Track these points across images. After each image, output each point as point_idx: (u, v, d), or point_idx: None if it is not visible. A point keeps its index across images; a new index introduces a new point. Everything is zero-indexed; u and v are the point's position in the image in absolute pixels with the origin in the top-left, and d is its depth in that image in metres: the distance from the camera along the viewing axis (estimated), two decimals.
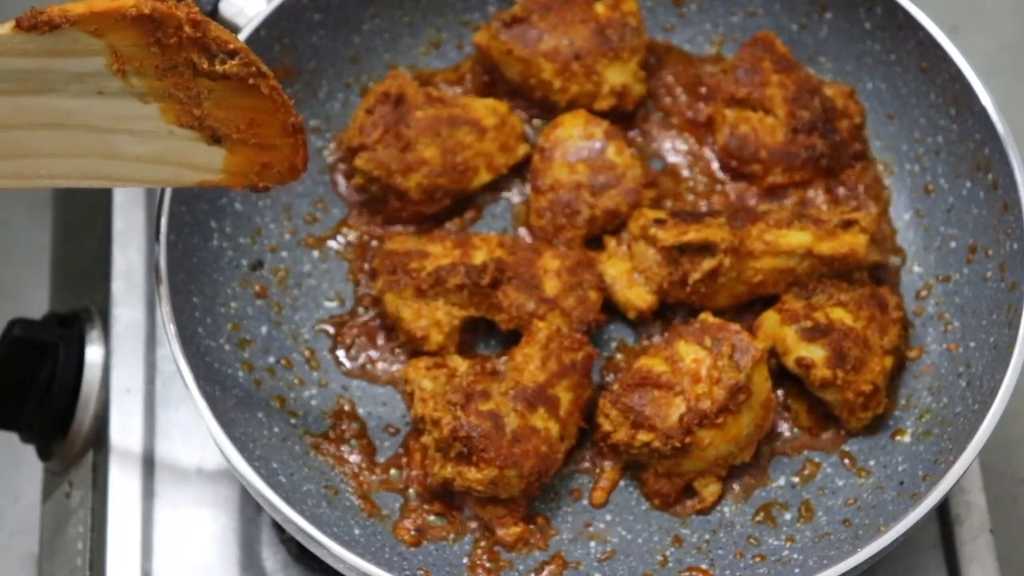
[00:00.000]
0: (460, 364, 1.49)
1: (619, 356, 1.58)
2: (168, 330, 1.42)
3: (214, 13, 1.61)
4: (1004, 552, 1.63)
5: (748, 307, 1.57)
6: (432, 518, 1.48)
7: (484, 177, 1.63)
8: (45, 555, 1.68)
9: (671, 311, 1.58)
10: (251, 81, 1.06)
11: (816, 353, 1.49)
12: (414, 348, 1.54)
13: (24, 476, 1.92)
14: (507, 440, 1.42)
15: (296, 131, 1.12)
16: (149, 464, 1.58)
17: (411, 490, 1.50)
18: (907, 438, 1.53)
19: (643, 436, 1.44)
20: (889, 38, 1.64)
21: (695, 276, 1.52)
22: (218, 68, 1.04)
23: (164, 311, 1.43)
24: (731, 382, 1.44)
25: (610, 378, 1.56)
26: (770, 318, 1.53)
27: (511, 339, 1.55)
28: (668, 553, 1.48)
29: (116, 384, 1.61)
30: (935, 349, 1.56)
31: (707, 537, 1.49)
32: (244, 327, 1.56)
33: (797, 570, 1.45)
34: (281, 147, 1.12)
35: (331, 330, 1.59)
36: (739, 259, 1.52)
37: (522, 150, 1.64)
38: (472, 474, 1.42)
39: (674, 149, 1.69)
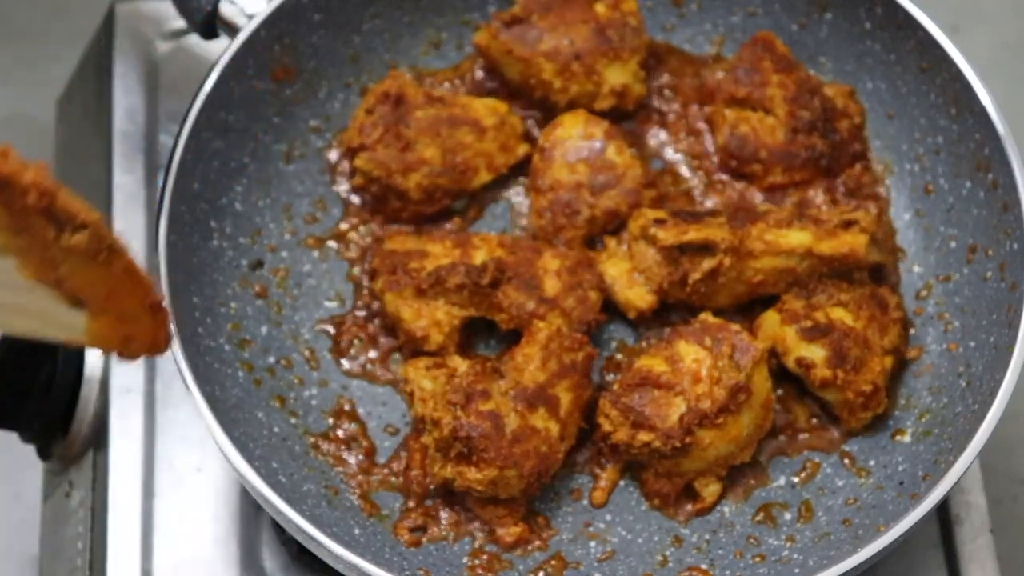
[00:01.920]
0: (460, 364, 1.49)
1: (619, 356, 1.58)
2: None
3: (214, 12, 1.61)
4: (1004, 552, 1.63)
5: (748, 307, 1.57)
6: (432, 518, 1.48)
7: (484, 177, 1.63)
8: (45, 555, 1.68)
9: (671, 311, 1.58)
10: (102, 258, 1.02)
11: (816, 353, 1.49)
12: (414, 348, 1.54)
13: (24, 476, 1.92)
14: (507, 440, 1.42)
15: (155, 310, 1.08)
16: (149, 464, 1.58)
17: (411, 490, 1.50)
18: (907, 438, 1.53)
19: (643, 436, 1.44)
20: (889, 38, 1.64)
21: (695, 276, 1.52)
22: (64, 242, 0.99)
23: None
24: (731, 382, 1.44)
25: (610, 378, 1.56)
26: (770, 318, 1.53)
27: (511, 339, 1.55)
28: (668, 553, 1.48)
29: (116, 384, 1.61)
30: (935, 349, 1.56)
31: (707, 537, 1.49)
32: (244, 327, 1.56)
33: (797, 570, 1.45)
34: (143, 322, 1.08)
35: (331, 330, 1.59)
36: (739, 259, 1.52)
37: (522, 150, 1.64)
38: (472, 474, 1.42)
39: (674, 149, 1.69)
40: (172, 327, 1.11)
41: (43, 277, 1.02)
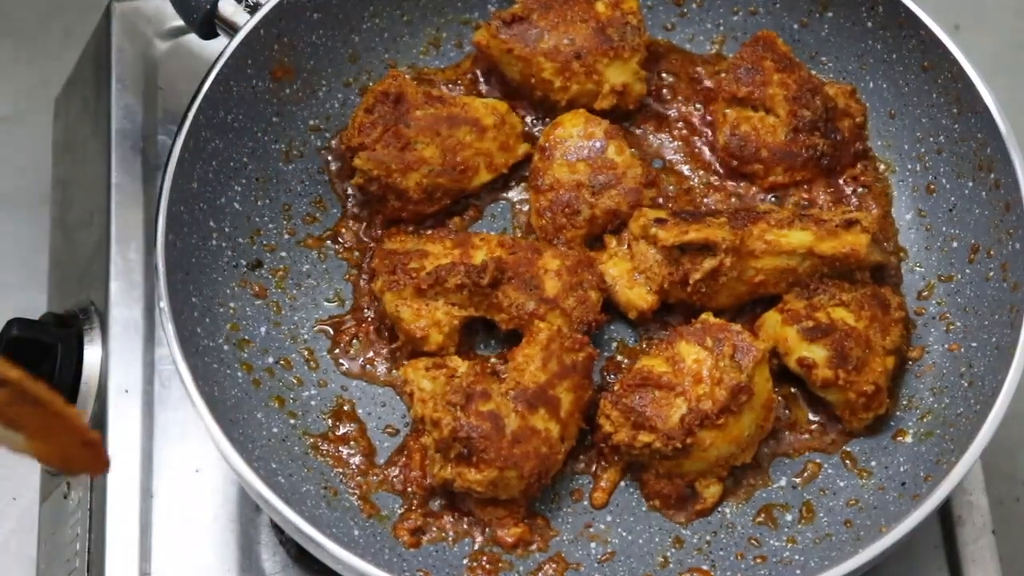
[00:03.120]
0: (460, 364, 1.48)
1: (620, 357, 1.57)
2: (167, 330, 1.42)
3: (213, 12, 1.61)
4: (1006, 553, 1.62)
5: (749, 307, 1.57)
6: (432, 519, 1.48)
7: (484, 177, 1.62)
8: (43, 556, 1.68)
9: (672, 311, 1.58)
10: (29, 404, 1.05)
11: (818, 353, 1.48)
12: (414, 348, 1.54)
13: (22, 477, 1.92)
14: (507, 441, 1.42)
15: (89, 445, 1.10)
16: (147, 465, 1.57)
17: (411, 491, 1.49)
18: (909, 439, 1.52)
19: (644, 437, 1.44)
20: (891, 37, 1.64)
21: (696, 276, 1.51)
22: None
23: (163, 311, 1.43)
24: (733, 383, 1.43)
25: (611, 378, 1.55)
26: (772, 318, 1.53)
27: (511, 339, 1.54)
28: (669, 554, 1.48)
29: (114, 384, 1.60)
30: (937, 349, 1.56)
31: (708, 538, 1.49)
32: (243, 327, 1.55)
33: (798, 571, 1.45)
34: (78, 455, 1.11)
35: (330, 330, 1.58)
36: (740, 259, 1.52)
37: (522, 149, 1.64)
38: (472, 475, 1.41)
39: (674, 149, 1.68)
40: (108, 454, 1.15)
41: None
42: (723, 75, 1.67)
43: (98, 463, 1.12)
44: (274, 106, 1.64)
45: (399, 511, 1.49)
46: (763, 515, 1.50)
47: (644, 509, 1.50)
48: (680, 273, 1.52)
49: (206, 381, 1.43)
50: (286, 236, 1.62)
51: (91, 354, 1.62)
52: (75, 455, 1.11)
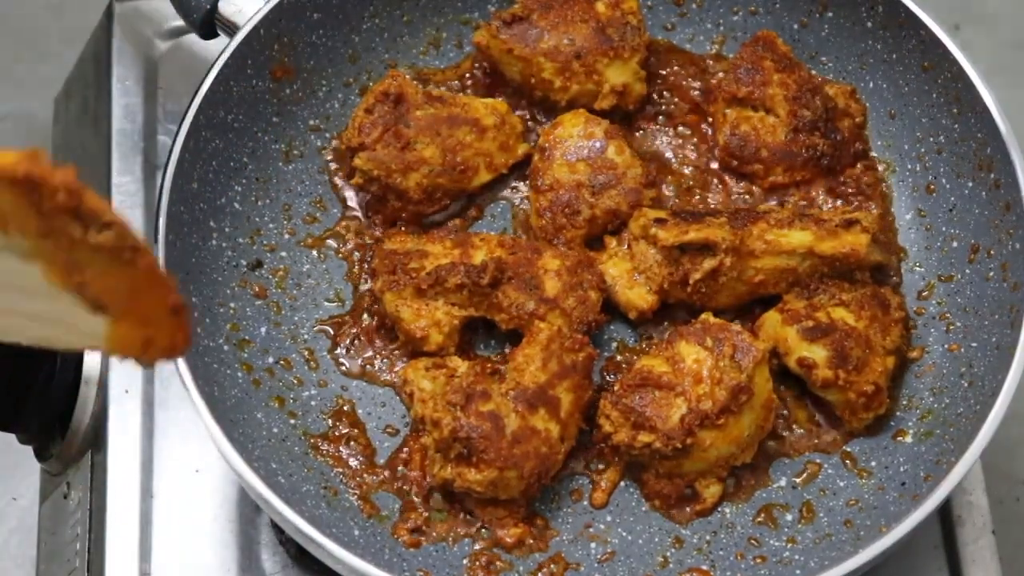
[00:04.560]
0: (460, 365, 1.48)
1: (620, 357, 1.57)
2: None
3: (213, 11, 1.61)
4: (1006, 553, 1.62)
5: (749, 307, 1.57)
6: (432, 519, 1.48)
7: (484, 177, 1.62)
8: (43, 556, 1.68)
9: (672, 311, 1.58)
10: (126, 256, 1.03)
11: (818, 353, 1.48)
12: (414, 348, 1.54)
13: (22, 477, 1.92)
14: (507, 441, 1.41)
15: (175, 311, 1.08)
16: (147, 465, 1.57)
17: (411, 491, 1.49)
18: (909, 439, 1.52)
19: (644, 437, 1.44)
20: (891, 37, 1.64)
21: (696, 276, 1.51)
22: (91, 239, 1.02)
23: None
24: (733, 383, 1.43)
25: (611, 378, 1.55)
26: (772, 318, 1.52)
27: (511, 339, 1.54)
28: (669, 554, 1.48)
29: (114, 384, 1.60)
30: (937, 349, 1.56)
31: (708, 538, 1.49)
32: (243, 327, 1.55)
33: (798, 571, 1.45)
34: (163, 325, 1.09)
35: (330, 330, 1.58)
36: (740, 259, 1.52)
37: (522, 149, 1.64)
38: (472, 475, 1.41)
39: (674, 149, 1.68)
40: (191, 328, 1.11)
41: (67, 282, 1.03)
42: (723, 75, 1.67)
43: (180, 335, 1.10)
44: (274, 106, 1.64)
45: (399, 511, 1.49)
46: (763, 515, 1.50)
47: (644, 509, 1.50)
48: (680, 273, 1.52)
49: (206, 381, 1.43)
50: (286, 236, 1.62)
51: (91, 354, 1.62)
52: (157, 333, 1.09)
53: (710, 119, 1.68)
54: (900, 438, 1.53)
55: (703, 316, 1.51)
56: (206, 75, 1.55)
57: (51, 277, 1.03)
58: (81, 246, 1.02)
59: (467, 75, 1.71)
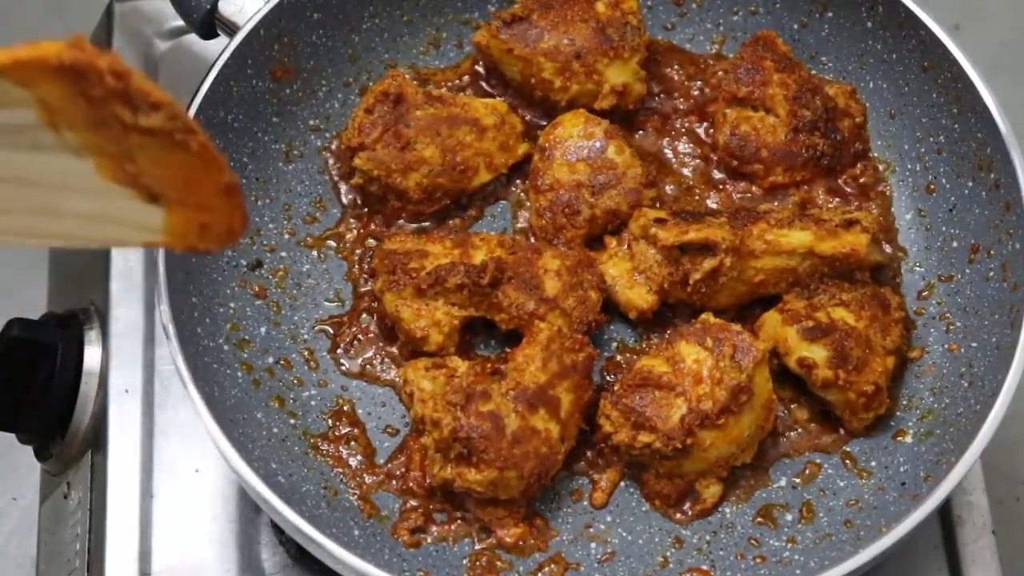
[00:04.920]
0: (460, 365, 1.48)
1: (620, 357, 1.57)
2: (167, 330, 1.42)
3: (213, 11, 1.61)
4: (1006, 553, 1.62)
5: (749, 307, 1.57)
6: (432, 519, 1.48)
7: (484, 176, 1.62)
8: (43, 556, 1.68)
9: (672, 311, 1.58)
10: (178, 137, 1.02)
11: (818, 353, 1.48)
12: (414, 348, 1.54)
13: (22, 477, 1.92)
14: (507, 441, 1.41)
15: (230, 191, 1.07)
16: (147, 465, 1.57)
17: (411, 491, 1.49)
18: (909, 439, 1.52)
19: (644, 437, 1.44)
20: (891, 37, 1.64)
21: (696, 276, 1.51)
22: (142, 122, 1.00)
23: (163, 311, 1.43)
24: (733, 383, 1.43)
25: (611, 378, 1.55)
26: (772, 318, 1.52)
27: (511, 339, 1.54)
28: (668, 554, 1.48)
29: (114, 384, 1.60)
30: (937, 349, 1.56)
31: (708, 538, 1.49)
32: (243, 327, 1.55)
33: (798, 571, 1.44)
34: (219, 207, 1.08)
35: (330, 330, 1.58)
36: (740, 259, 1.52)
37: (522, 149, 1.64)
38: (472, 475, 1.41)
39: (674, 148, 1.68)
40: (246, 211, 1.10)
41: (120, 175, 1.03)
42: (723, 75, 1.67)
43: (236, 216, 1.08)
44: (274, 106, 1.64)
45: (399, 511, 1.49)
46: (763, 515, 1.50)
47: (644, 509, 1.50)
48: (680, 273, 1.52)
49: (206, 381, 1.43)
50: (286, 236, 1.62)
51: (91, 354, 1.62)
52: (213, 218, 1.08)
53: (710, 119, 1.68)
54: (900, 438, 1.53)
55: (703, 316, 1.51)
56: (206, 75, 1.55)
57: (104, 172, 1.02)
58: (132, 132, 1.00)
59: (467, 75, 1.71)
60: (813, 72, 1.68)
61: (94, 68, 0.97)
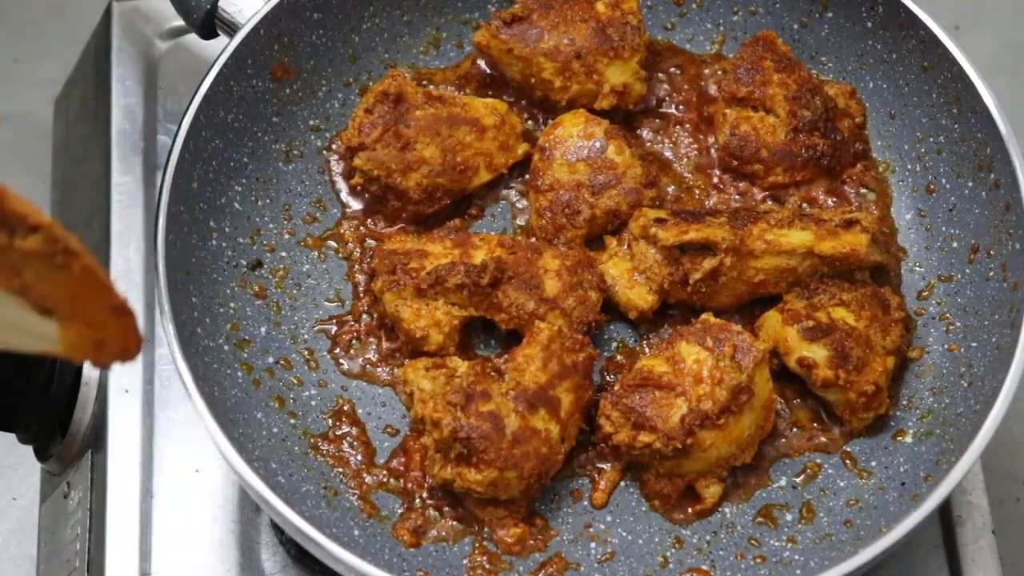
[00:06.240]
0: (460, 365, 1.48)
1: (620, 357, 1.57)
2: (167, 330, 1.42)
3: (213, 11, 1.61)
4: (1006, 553, 1.62)
5: (749, 307, 1.57)
6: (432, 519, 1.48)
7: (484, 177, 1.62)
8: (43, 556, 1.68)
9: (672, 311, 1.58)
10: (59, 260, 1.01)
11: (818, 353, 1.48)
12: (414, 348, 1.54)
13: (22, 477, 1.92)
14: (507, 441, 1.41)
15: (119, 312, 1.06)
16: (148, 465, 1.57)
17: (411, 491, 1.49)
18: (909, 439, 1.52)
19: (644, 437, 1.44)
20: (891, 37, 1.64)
21: (696, 276, 1.51)
22: (18, 244, 0.99)
23: (163, 311, 1.43)
24: (733, 383, 1.43)
25: (611, 378, 1.55)
26: (772, 318, 1.52)
27: (511, 339, 1.54)
28: (669, 554, 1.48)
29: (114, 384, 1.60)
30: (937, 349, 1.56)
31: (708, 538, 1.48)
32: (243, 327, 1.55)
33: (798, 571, 1.44)
34: (111, 326, 1.07)
35: (330, 330, 1.58)
36: (740, 259, 1.52)
37: (522, 149, 1.64)
38: (472, 475, 1.41)
39: (674, 148, 1.68)
40: (141, 331, 1.09)
41: (7, 285, 1.02)
42: (723, 75, 1.67)
43: (130, 337, 1.08)
44: (274, 106, 1.64)
45: (399, 511, 1.49)
46: (763, 515, 1.50)
47: (644, 509, 1.50)
48: (680, 273, 1.52)
49: (206, 381, 1.43)
50: (286, 236, 1.62)
51: None
52: (107, 335, 1.07)
53: (710, 119, 1.68)
54: (900, 438, 1.53)
55: (703, 316, 1.51)
56: (206, 75, 1.55)
57: None
58: (11, 250, 0.99)
59: (467, 75, 1.71)
60: (813, 72, 1.68)
61: None
